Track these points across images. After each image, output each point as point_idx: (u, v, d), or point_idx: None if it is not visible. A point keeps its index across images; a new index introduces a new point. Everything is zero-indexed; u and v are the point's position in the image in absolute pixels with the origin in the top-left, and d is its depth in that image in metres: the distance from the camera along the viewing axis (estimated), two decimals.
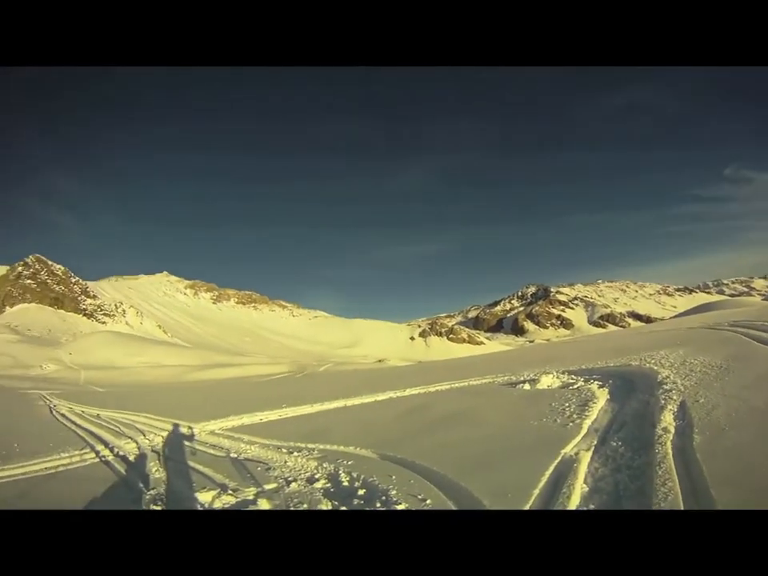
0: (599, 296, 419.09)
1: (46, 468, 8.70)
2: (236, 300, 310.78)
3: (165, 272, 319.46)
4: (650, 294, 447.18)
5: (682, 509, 3.62)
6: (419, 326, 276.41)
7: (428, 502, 4.75)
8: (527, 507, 4.16)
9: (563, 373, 11.61)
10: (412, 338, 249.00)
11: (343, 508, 5.12)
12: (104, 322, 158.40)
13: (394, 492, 5.12)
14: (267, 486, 6.19)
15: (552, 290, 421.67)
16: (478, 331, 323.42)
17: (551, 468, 4.97)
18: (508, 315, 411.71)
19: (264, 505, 5.44)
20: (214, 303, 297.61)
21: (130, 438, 11.07)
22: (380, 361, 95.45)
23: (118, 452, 9.61)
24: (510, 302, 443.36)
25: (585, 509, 4.14)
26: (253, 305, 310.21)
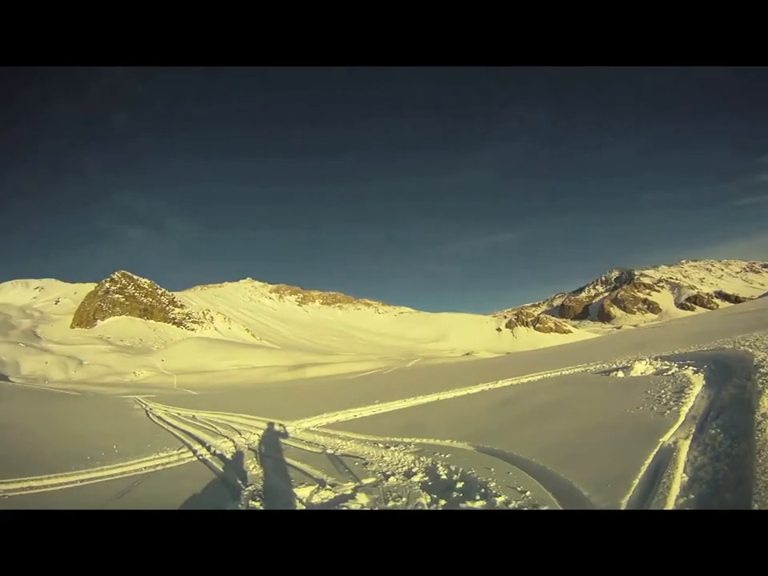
0: (684, 277, 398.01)
1: (144, 467, 9.34)
2: (321, 301, 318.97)
3: (248, 278, 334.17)
4: (737, 272, 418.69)
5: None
6: (505, 317, 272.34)
7: (527, 494, 4.71)
8: (627, 497, 4.08)
9: (656, 359, 11.10)
10: (499, 330, 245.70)
11: (433, 506, 5.07)
12: (193, 329, 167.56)
13: (493, 484, 5.12)
14: (365, 481, 6.28)
15: (636, 273, 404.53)
16: (564, 319, 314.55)
17: (650, 457, 4.84)
18: (593, 302, 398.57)
19: (363, 499, 5.52)
20: (299, 305, 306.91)
21: (226, 437, 11.56)
22: (468, 354, 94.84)
23: (215, 451, 10.08)
24: (594, 288, 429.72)
25: (585, 509, 4.17)
26: (338, 305, 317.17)
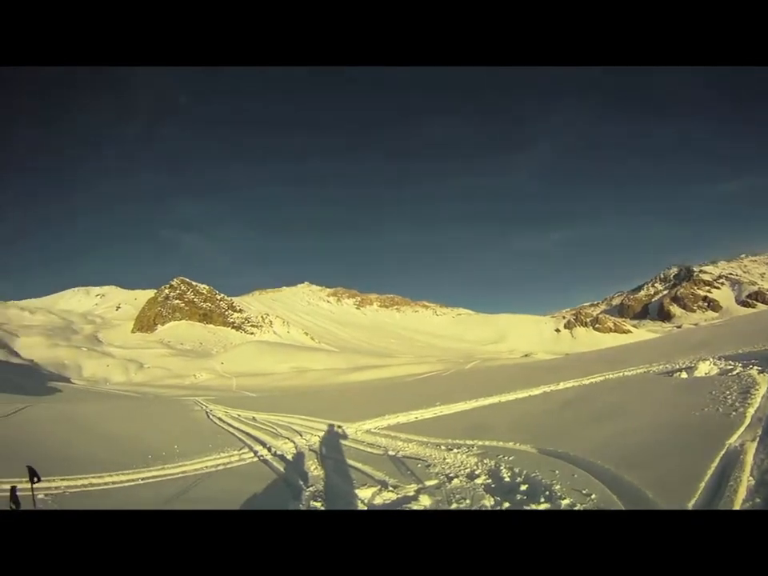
0: (744, 272, 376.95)
1: (205, 467, 9.58)
2: (378, 304, 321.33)
3: (306, 282, 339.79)
4: None
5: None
6: (564, 317, 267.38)
7: (593, 497, 4.65)
8: (694, 500, 3.94)
9: (719, 359, 11.02)
10: (557, 330, 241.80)
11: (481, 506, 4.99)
12: (252, 333, 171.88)
13: (557, 487, 5.09)
14: (428, 483, 6.31)
15: (695, 269, 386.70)
16: (623, 319, 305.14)
17: (716, 460, 4.78)
18: (653, 300, 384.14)
19: (425, 501, 5.55)
20: (357, 308, 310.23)
21: (287, 438, 11.80)
22: (527, 355, 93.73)
23: (275, 451, 10.30)
24: (653, 286, 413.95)
25: (584, 509, 4.19)
26: (395, 307, 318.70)
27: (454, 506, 5.22)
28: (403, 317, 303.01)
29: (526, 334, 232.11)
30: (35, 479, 4.44)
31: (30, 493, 4.62)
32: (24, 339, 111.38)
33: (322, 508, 5.92)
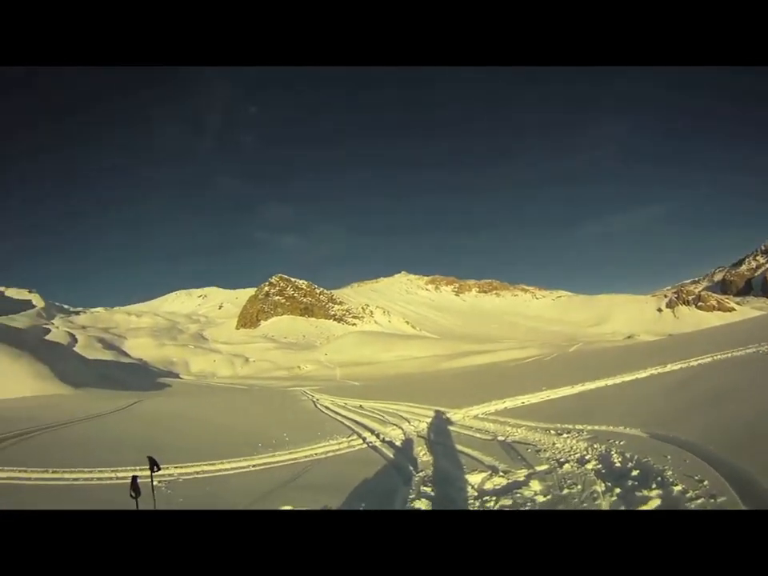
0: None
1: (315, 454, 9.87)
2: (477, 289, 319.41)
3: (403, 272, 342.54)
4: None
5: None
6: (665, 296, 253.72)
7: (705, 483, 4.47)
8: None
9: None
10: (659, 310, 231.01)
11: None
12: (354, 324, 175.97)
13: (669, 473, 4.97)
14: (539, 468, 6.32)
15: None
16: (726, 296, 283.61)
17: None
18: (756, 274, 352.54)
19: (536, 486, 5.57)
20: (456, 295, 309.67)
21: (394, 424, 12.05)
22: (629, 337, 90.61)
23: (384, 438, 10.56)
24: (754, 259, 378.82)
25: (584, 509, 4.23)
26: (494, 292, 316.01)
27: (566, 492, 5.20)
28: (503, 301, 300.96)
29: (628, 315, 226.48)
30: (155, 468, 4.61)
31: (150, 481, 4.80)
32: (132, 341, 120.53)
33: (431, 493, 6.04)
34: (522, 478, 5.97)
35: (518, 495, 5.38)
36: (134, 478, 4.32)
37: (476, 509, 5.16)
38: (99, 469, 8.59)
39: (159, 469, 4.78)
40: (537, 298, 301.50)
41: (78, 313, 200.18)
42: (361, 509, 5.60)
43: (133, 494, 4.15)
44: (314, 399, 24.40)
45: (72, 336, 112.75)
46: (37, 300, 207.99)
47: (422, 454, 8.18)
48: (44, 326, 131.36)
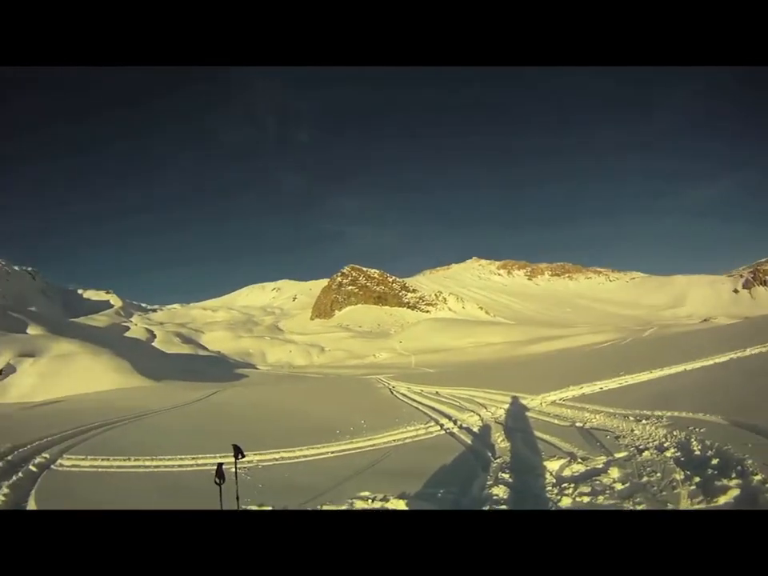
0: None
1: (393, 440, 10.02)
2: (550, 273, 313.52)
3: (474, 257, 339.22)
4: None
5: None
6: (741, 276, 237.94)
7: None
8: None
9: None
10: (735, 291, 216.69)
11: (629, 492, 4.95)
12: (428, 311, 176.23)
13: (749, 462, 4.80)
14: (617, 455, 6.28)
15: None
16: None
17: None
18: None
19: (615, 473, 5.53)
20: (528, 279, 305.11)
21: (472, 411, 12.08)
22: (706, 320, 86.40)
23: (461, 424, 10.63)
24: None
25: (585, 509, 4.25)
26: (567, 275, 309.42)
27: (645, 480, 5.15)
28: (576, 284, 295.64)
29: (703, 297, 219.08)
30: (239, 456, 4.87)
31: (234, 468, 5.09)
32: (209, 334, 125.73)
33: (510, 480, 6.05)
34: (600, 465, 5.95)
35: (597, 482, 5.38)
36: (220, 465, 4.61)
37: (554, 496, 5.19)
38: (180, 456, 9.08)
39: (243, 456, 5.03)
40: (610, 281, 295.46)
41: (154, 310, 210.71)
42: (366, 509, 5.70)
43: (217, 481, 4.44)
44: (390, 386, 24.67)
45: (150, 332, 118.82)
46: (114, 300, 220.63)
47: (500, 441, 8.21)
48: (123, 324, 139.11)
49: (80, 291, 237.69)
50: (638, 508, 4.17)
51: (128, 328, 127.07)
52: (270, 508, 5.95)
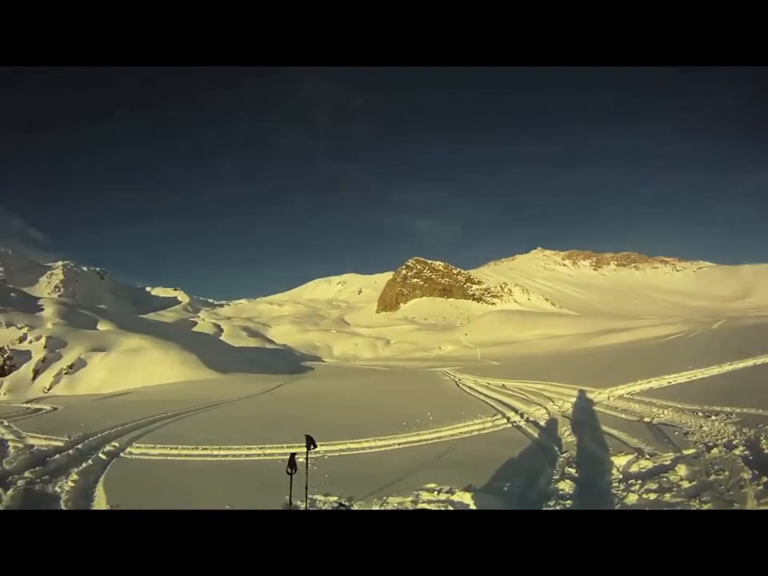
0: None
1: (460, 433, 10.16)
2: (615, 263, 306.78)
3: (538, 248, 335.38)
4: None
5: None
6: None
7: None
8: None
9: None
10: None
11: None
12: (493, 303, 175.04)
13: None
14: (685, 452, 6.20)
15: None
16: None
17: None
18: None
19: (682, 471, 5.47)
20: (594, 269, 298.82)
21: (538, 404, 12.06)
22: None
23: (528, 417, 10.63)
24: None
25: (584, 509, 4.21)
26: (633, 265, 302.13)
27: (712, 478, 5.06)
28: (642, 275, 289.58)
29: None
30: (311, 446, 4.91)
31: (305, 459, 5.13)
32: (276, 328, 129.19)
33: (576, 475, 6.10)
34: (668, 462, 5.90)
35: (665, 479, 5.31)
36: (293, 455, 4.76)
37: (620, 492, 5.16)
38: (247, 446, 9.34)
39: (315, 447, 5.14)
40: (677, 270, 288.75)
41: (222, 305, 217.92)
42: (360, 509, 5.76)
43: (289, 471, 4.55)
44: (456, 379, 24.60)
45: (218, 326, 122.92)
46: (182, 296, 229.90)
47: (567, 435, 8.21)
48: (191, 319, 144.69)
49: (148, 289, 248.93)
50: (705, 507, 4.10)
51: (196, 323, 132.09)
52: (335, 498, 6.09)
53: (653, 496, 4.77)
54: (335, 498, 6.12)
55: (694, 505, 4.05)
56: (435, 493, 6.05)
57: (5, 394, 32.45)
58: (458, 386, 20.97)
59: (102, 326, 55.14)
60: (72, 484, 6.86)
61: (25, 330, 41.65)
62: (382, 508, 5.67)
